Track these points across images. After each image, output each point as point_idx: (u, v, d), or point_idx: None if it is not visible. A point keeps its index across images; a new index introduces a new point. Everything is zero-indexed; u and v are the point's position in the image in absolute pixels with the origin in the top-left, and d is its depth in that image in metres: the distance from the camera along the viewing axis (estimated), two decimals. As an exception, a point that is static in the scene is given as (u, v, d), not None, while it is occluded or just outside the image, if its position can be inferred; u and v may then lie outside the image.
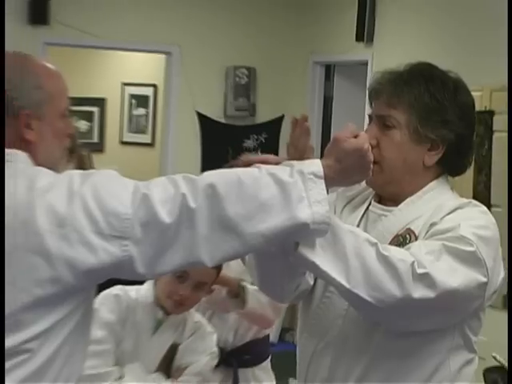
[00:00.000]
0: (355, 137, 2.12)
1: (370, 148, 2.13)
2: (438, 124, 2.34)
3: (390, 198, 2.40)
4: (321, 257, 2.12)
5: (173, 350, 3.13)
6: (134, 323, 3.12)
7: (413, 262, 2.12)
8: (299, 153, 2.22)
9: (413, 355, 2.27)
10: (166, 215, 2.01)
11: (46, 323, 2.06)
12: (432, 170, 2.39)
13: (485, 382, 6.28)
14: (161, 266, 2.06)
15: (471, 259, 2.19)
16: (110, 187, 2.06)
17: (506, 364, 6.36)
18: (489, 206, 6.96)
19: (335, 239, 2.13)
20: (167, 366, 3.11)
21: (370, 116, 2.42)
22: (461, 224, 2.23)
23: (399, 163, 2.34)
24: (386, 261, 2.12)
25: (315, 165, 2.08)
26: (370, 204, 2.44)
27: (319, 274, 2.18)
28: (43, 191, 2.06)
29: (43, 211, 2.04)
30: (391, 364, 2.28)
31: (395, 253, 2.15)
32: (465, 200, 2.38)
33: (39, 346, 2.06)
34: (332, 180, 2.09)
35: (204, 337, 3.23)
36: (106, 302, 3.10)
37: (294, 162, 2.09)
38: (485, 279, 2.20)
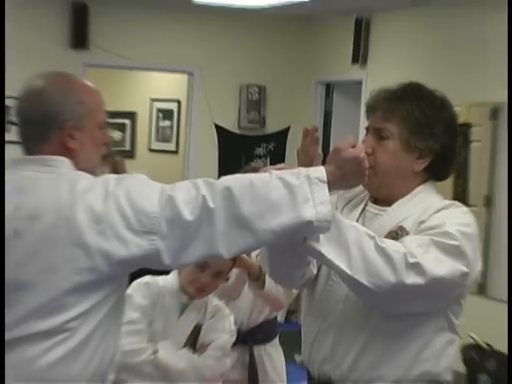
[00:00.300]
0: (353, 147, 2.11)
1: (366, 156, 2.12)
2: (426, 136, 2.32)
3: (383, 199, 2.39)
4: (326, 247, 2.11)
5: (197, 330, 3.12)
6: (163, 307, 3.11)
7: (405, 253, 2.11)
8: (309, 159, 2.22)
9: (404, 335, 2.27)
10: (188, 214, 2.00)
11: (85, 306, 2.06)
12: (420, 176, 2.38)
13: (463, 357, 6.28)
14: (184, 258, 2.05)
15: (455, 252, 2.18)
16: (140, 189, 2.06)
17: (482, 342, 6.36)
18: (467, 204, 6.93)
19: (339, 232, 2.12)
20: (192, 343, 3.10)
21: (367, 128, 2.40)
22: (446, 222, 2.22)
23: (392, 169, 2.33)
24: (382, 251, 2.11)
25: (320, 171, 2.07)
26: (366, 204, 2.42)
27: (324, 261, 2.17)
28: (83, 192, 2.06)
29: (83, 210, 2.03)
30: (385, 342, 2.27)
31: (390, 245, 2.15)
32: (449, 202, 2.37)
33: (79, 325, 2.06)
34: (333, 184, 2.08)
35: (223, 318, 3.21)
36: (138, 289, 3.09)
37: (301, 169, 2.07)
38: (467, 269, 2.19)
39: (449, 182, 6.63)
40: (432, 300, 2.22)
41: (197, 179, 2.07)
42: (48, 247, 2.04)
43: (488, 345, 6.36)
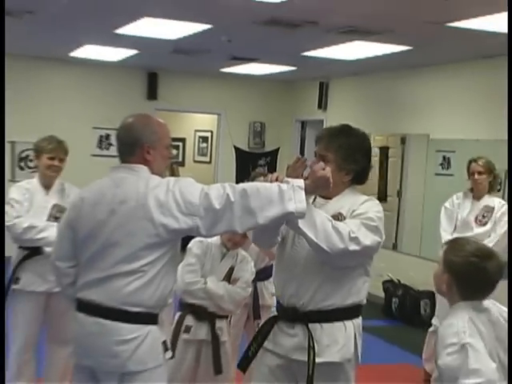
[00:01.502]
0: (323, 169, 2.08)
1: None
2: (351, 161, 2.25)
3: (325, 196, 2.30)
4: (302, 223, 2.09)
5: (231, 270, 3.08)
6: (210, 255, 3.06)
7: (349, 231, 2.10)
8: (295, 174, 2.16)
9: (342, 279, 2.23)
10: (217, 205, 1.99)
11: (152, 257, 2.05)
12: (347, 183, 2.30)
13: (383, 287, 6.26)
14: (214, 231, 2.04)
15: (375, 230, 2.16)
16: (188, 187, 2.04)
17: (394, 279, 6.34)
18: (386, 196, 6.98)
19: (310, 215, 2.09)
20: (228, 278, 3.06)
21: (315, 152, 2.33)
22: (368, 211, 2.20)
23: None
24: (336, 229, 2.10)
25: (301, 182, 2.04)
26: (315, 198, 2.34)
27: (300, 232, 2.13)
28: (153, 188, 2.05)
29: (152, 199, 2.02)
30: (331, 284, 2.22)
31: (341, 225, 2.13)
32: (368, 197, 2.31)
33: (149, 268, 2.05)
34: (308, 192, 2.05)
35: (247, 263, 3.16)
36: (195, 244, 3.06)
37: (290, 179, 2.06)
38: (380, 240, 2.18)
39: (375, 181, 6.71)
40: (360, 258, 2.20)
41: (224, 183, 2.05)
42: (130, 221, 2.03)
43: (398, 280, 6.34)
